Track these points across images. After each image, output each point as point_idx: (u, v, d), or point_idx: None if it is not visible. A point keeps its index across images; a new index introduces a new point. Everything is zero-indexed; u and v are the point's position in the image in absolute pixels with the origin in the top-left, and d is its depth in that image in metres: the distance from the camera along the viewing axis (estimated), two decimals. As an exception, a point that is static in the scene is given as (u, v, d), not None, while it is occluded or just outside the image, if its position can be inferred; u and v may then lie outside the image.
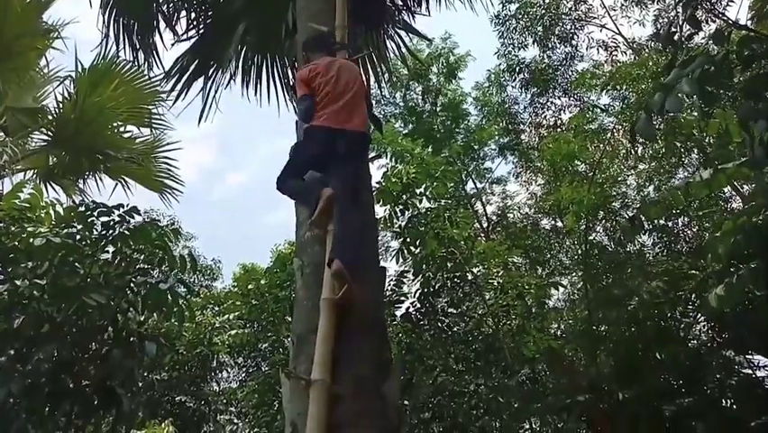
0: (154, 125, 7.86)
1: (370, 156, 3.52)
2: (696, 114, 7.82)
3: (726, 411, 9.23)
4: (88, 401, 4.54)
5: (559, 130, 12.12)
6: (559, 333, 8.80)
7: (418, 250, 7.46)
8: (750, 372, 9.71)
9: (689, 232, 9.94)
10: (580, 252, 9.18)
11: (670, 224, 9.50)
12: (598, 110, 11.55)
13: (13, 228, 4.82)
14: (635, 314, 8.08)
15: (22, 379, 4.28)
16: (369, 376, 2.28)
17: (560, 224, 10.55)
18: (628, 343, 8.40)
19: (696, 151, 9.48)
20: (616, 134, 10.40)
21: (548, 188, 11.09)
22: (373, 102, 4.87)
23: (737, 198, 9.11)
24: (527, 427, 8.10)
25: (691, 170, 9.64)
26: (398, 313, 7.94)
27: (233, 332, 9.47)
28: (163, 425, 7.62)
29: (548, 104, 13.00)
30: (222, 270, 16.54)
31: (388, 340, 2.66)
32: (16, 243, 4.66)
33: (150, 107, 7.77)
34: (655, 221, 8.42)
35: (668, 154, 9.50)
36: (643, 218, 6.56)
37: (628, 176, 10.67)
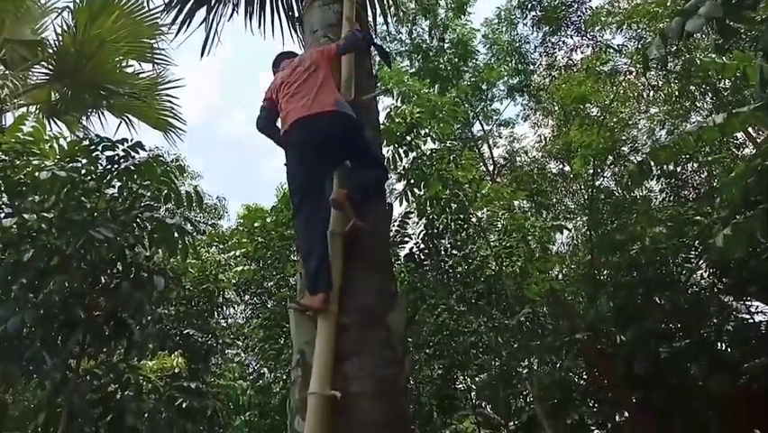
0: (156, 60, 7.71)
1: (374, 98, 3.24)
2: (713, 55, 7.56)
3: (721, 354, 9.48)
4: (100, 331, 4.67)
5: (571, 71, 11.79)
6: (561, 276, 8.91)
7: (422, 192, 7.44)
8: (747, 316, 9.90)
9: (697, 178, 9.85)
10: (586, 196, 9.14)
11: (678, 169, 9.41)
12: (612, 51, 11.17)
13: (18, 162, 4.80)
14: (638, 259, 8.14)
15: (34, 309, 4.39)
16: (374, 307, 2.32)
17: (567, 168, 10.45)
18: (629, 287, 8.52)
19: (710, 94, 9.24)
20: (629, 76, 10.11)
21: (557, 131, 10.90)
22: (373, 34, 4.62)
23: (750, 144, 8.97)
24: (525, 364, 8.34)
25: (705, 114, 9.43)
26: (402, 253, 8.03)
27: (238, 269, 9.63)
28: (173, 356, 7.86)
29: (560, 43, 12.57)
30: (227, 207, 16.71)
31: (393, 274, 2.69)
32: (22, 176, 4.66)
33: (151, 41, 7.59)
34: (664, 166, 8.33)
35: (682, 98, 9.26)
36: (651, 163, 6.49)
37: (639, 120, 10.45)
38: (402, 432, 2.12)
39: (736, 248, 3.84)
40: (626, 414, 9.27)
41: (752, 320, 9.84)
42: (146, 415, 6.01)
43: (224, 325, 10.90)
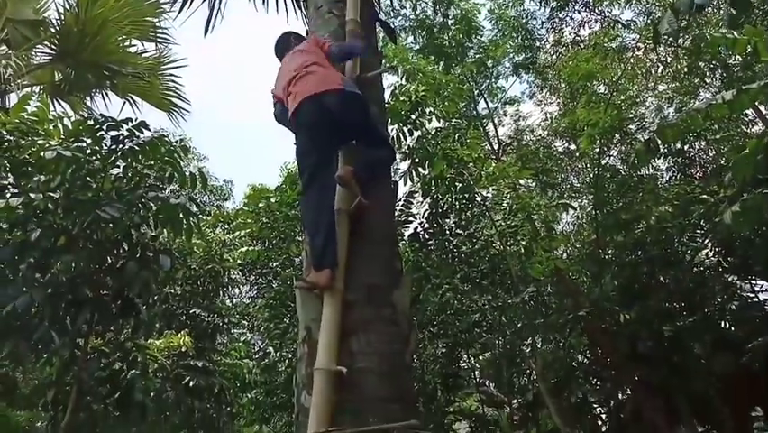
0: (159, 40, 7.65)
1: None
2: (723, 30, 7.43)
3: (725, 333, 9.51)
4: (107, 310, 4.72)
5: (578, 47, 11.57)
6: (565, 256, 8.91)
7: (427, 171, 7.40)
8: (751, 295, 9.90)
9: (704, 156, 9.76)
10: (591, 175, 9.09)
11: (686, 147, 9.31)
12: (621, 26, 10.96)
13: (22, 141, 4.80)
14: (643, 238, 8.12)
15: (42, 288, 4.43)
16: (380, 285, 2.32)
17: (573, 146, 10.36)
18: (633, 266, 8.51)
19: (720, 71, 9.08)
20: (638, 53, 9.92)
21: (564, 109, 10.76)
22: (378, 9, 4.53)
23: (759, 121, 8.86)
24: (529, 343, 8.40)
25: (714, 90, 9.29)
26: (407, 233, 8.03)
27: (243, 249, 9.67)
28: (179, 335, 7.95)
29: (567, 19, 12.28)
30: (232, 190, 16.78)
31: (398, 251, 2.69)
32: (27, 156, 4.66)
33: (153, 20, 7.53)
34: (671, 145, 8.25)
35: (691, 74, 9.11)
36: (658, 141, 6.42)
37: (648, 97, 10.30)
38: (407, 407, 2.13)
39: (743, 225, 3.81)
40: (629, 392, 9.35)
41: (756, 299, 9.84)
42: (152, 393, 6.09)
43: (230, 304, 10.99)
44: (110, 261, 5.06)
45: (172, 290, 9.11)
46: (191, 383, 7.98)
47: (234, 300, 11.94)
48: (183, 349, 7.92)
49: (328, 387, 2.02)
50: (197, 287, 9.30)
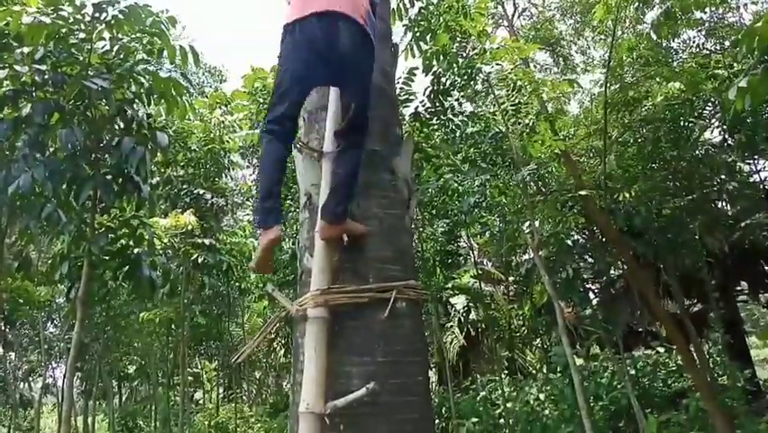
0: None
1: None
2: None
3: (720, 212, 9.67)
4: (109, 187, 4.74)
5: None
6: (572, 134, 8.75)
7: (429, 45, 7.02)
8: (753, 176, 9.92)
9: (725, 23, 9.15)
10: (606, 47, 8.64)
11: (706, 16, 8.72)
12: None
13: (-4, 11, 4.50)
14: (650, 116, 7.94)
15: (42, 166, 4.41)
16: (379, 150, 2.28)
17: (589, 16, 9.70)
18: (638, 145, 8.41)
19: None
20: None
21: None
22: None
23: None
24: (527, 219, 8.55)
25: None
26: (407, 112, 7.82)
27: (242, 133, 9.52)
28: (185, 214, 8.09)
29: None
30: (228, 71, 16.24)
31: (398, 117, 2.61)
32: (5, 27, 4.41)
33: None
34: (691, 14, 7.72)
35: None
36: (677, 11, 6.03)
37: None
38: (406, 268, 2.18)
39: (751, 99, 3.63)
40: (623, 268, 9.70)
41: (756, 178, 9.87)
42: (160, 269, 6.28)
43: (233, 186, 11.10)
44: (107, 139, 5.01)
45: (174, 172, 9.15)
46: (199, 260, 8.29)
47: (237, 183, 12.03)
48: (189, 228, 8.12)
49: (329, 248, 2.05)
50: (199, 168, 9.32)
